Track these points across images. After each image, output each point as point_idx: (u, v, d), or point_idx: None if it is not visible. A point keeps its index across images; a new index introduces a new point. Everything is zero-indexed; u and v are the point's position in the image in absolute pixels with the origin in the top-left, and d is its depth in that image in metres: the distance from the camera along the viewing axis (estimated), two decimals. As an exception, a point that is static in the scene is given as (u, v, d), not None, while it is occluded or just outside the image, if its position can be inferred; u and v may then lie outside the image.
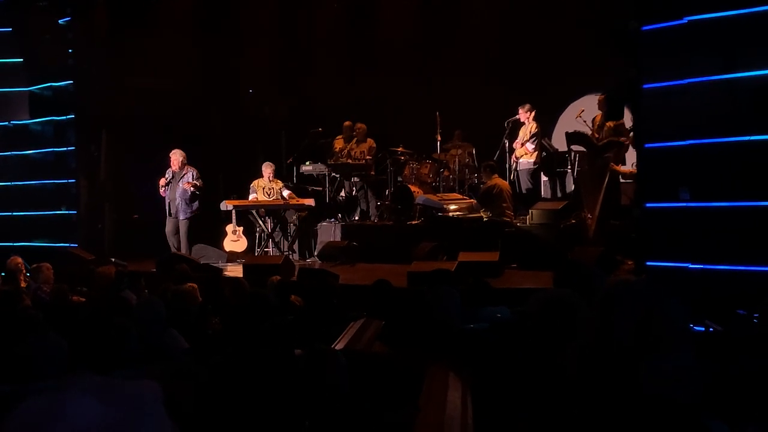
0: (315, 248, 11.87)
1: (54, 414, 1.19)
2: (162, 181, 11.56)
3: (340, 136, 12.64)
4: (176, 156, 11.60)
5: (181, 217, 11.54)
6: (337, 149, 12.55)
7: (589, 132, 10.54)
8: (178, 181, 11.53)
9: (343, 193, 12.60)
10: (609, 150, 10.13)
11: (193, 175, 11.55)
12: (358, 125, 12.56)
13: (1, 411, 1.25)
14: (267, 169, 12.10)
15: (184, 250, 11.33)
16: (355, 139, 12.49)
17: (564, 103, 12.69)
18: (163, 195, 11.64)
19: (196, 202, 11.61)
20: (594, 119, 10.74)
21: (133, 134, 12.86)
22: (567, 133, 10.46)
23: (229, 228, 11.77)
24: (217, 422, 3.09)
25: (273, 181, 12.09)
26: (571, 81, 12.35)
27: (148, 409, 1.26)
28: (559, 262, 7.65)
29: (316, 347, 3.21)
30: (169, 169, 11.64)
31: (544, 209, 10.30)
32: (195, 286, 6.21)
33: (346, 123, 12.56)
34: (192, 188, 11.44)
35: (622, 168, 10.21)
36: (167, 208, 11.63)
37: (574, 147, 10.57)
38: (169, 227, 11.65)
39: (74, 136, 12.84)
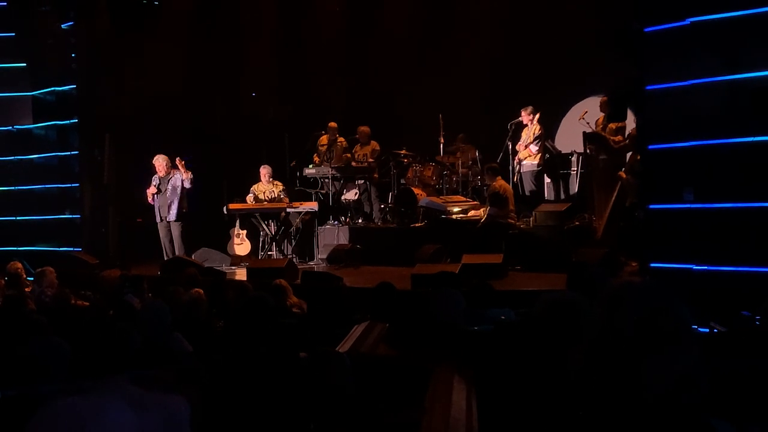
0: (317, 251, 11.86)
1: (91, 418, 1.18)
2: (152, 190, 11.48)
3: (325, 134, 12.64)
4: (160, 161, 11.48)
5: (173, 218, 11.42)
6: (322, 147, 12.55)
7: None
8: (167, 185, 11.46)
9: (353, 195, 12.55)
10: (626, 152, 10.14)
11: (180, 173, 11.43)
12: (362, 128, 12.56)
13: (7, 413, 1.24)
14: (263, 171, 12.09)
15: (179, 252, 11.29)
16: (359, 142, 12.54)
17: (567, 105, 12.68)
18: (152, 203, 11.56)
19: (185, 202, 11.52)
20: (597, 121, 10.72)
21: (136, 138, 12.85)
22: (585, 133, 10.42)
23: (233, 231, 11.77)
24: (223, 425, 3.09)
25: (272, 183, 12.06)
26: (574, 83, 12.33)
27: (179, 425, 1.26)
28: (567, 264, 7.64)
29: (320, 349, 3.21)
30: (156, 176, 11.54)
31: (548, 211, 10.28)
32: (201, 291, 6.23)
33: (332, 124, 12.56)
34: (190, 178, 11.32)
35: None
36: (157, 214, 11.54)
37: (590, 147, 10.51)
38: (162, 232, 11.57)
39: (78, 140, 12.84)
